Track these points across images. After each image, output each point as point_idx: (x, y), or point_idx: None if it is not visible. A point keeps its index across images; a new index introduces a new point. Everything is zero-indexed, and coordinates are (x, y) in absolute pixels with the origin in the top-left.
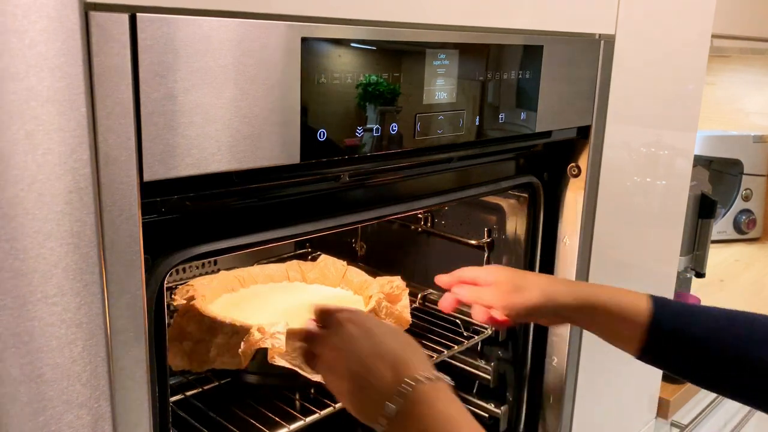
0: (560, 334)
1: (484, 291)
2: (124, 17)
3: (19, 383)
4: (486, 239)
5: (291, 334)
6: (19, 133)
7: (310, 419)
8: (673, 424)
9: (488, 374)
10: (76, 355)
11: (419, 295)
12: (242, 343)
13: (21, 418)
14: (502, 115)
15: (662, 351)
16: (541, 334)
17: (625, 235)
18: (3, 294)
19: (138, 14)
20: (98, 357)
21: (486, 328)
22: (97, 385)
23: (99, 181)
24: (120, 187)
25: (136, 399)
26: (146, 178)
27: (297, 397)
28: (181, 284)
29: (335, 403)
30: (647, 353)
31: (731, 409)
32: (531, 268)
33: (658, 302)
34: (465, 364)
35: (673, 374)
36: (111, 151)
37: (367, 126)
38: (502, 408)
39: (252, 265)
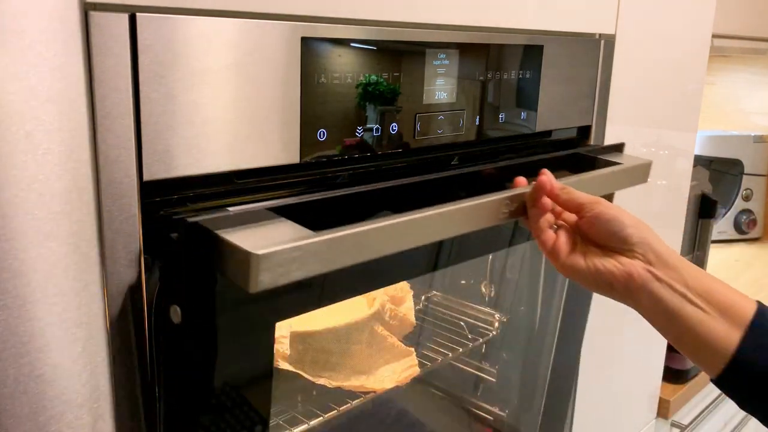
0: None
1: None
2: (124, 17)
3: (19, 383)
4: None
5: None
6: (19, 133)
7: (314, 422)
8: (673, 424)
9: (492, 376)
10: (76, 355)
11: (423, 297)
12: None
13: (21, 418)
14: (502, 115)
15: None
16: (542, 334)
17: None
18: (3, 294)
19: (138, 14)
20: (98, 357)
21: (490, 331)
22: (97, 385)
23: (99, 181)
24: (120, 187)
25: (136, 399)
26: (146, 177)
27: (300, 400)
28: None
29: (339, 406)
30: (724, 385)
31: (731, 409)
32: None
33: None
34: (469, 366)
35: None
36: (111, 151)
37: (367, 126)
38: (506, 410)
39: None
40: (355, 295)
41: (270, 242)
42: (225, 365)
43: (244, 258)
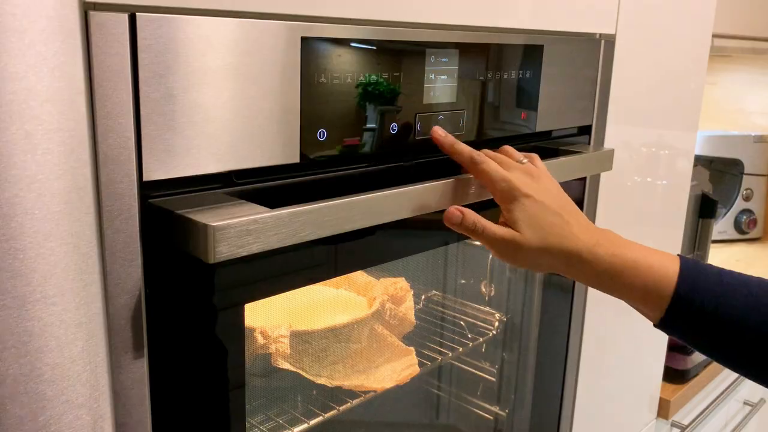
0: (560, 336)
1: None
2: (124, 17)
3: (19, 383)
4: None
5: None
6: (19, 133)
7: (313, 422)
8: (673, 425)
9: (492, 376)
10: (75, 355)
11: (423, 297)
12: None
13: (21, 418)
14: (502, 115)
15: (687, 328)
16: (543, 334)
17: (626, 235)
18: (3, 294)
19: (137, 14)
20: (98, 357)
21: (490, 331)
22: (96, 385)
23: (98, 180)
24: (119, 187)
25: (136, 399)
26: (146, 177)
27: (300, 399)
28: None
29: (339, 405)
30: (667, 326)
31: (732, 409)
32: None
33: (686, 275)
34: (469, 366)
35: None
36: (110, 151)
37: (367, 126)
38: (506, 409)
39: None
40: (320, 281)
41: (226, 217)
42: (198, 355)
43: (202, 230)
